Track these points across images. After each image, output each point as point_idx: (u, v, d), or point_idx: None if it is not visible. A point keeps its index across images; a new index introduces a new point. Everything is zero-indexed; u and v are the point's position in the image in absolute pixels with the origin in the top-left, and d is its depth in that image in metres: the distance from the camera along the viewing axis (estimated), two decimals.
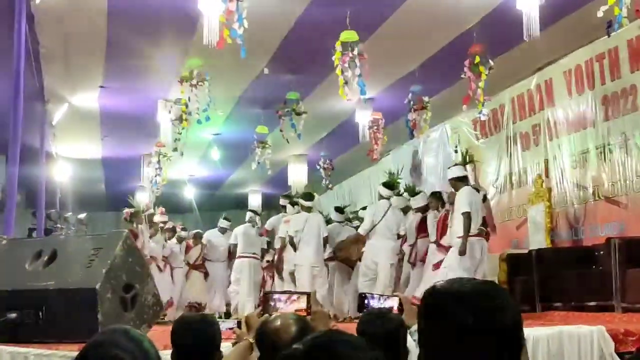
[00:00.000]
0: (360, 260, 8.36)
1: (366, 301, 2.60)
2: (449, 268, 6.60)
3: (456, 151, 10.63)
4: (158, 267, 9.38)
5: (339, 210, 9.66)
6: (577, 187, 8.02)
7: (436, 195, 8.16)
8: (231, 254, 10.34)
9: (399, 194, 8.71)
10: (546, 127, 8.61)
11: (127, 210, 9.10)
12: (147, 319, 4.62)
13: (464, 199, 6.73)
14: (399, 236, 8.28)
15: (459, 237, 6.69)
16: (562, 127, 8.29)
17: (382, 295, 2.63)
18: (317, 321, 2.33)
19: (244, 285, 9.66)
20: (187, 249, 10.97)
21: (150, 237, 9.54)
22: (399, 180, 8.78)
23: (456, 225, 6.79)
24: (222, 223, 11.34)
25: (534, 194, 8.65)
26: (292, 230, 8.51)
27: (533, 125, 8.92)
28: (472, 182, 7.57)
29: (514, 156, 9.31)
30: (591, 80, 7.75)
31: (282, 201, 9.71)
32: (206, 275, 10.94)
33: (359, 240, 8.44)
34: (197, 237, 11.08)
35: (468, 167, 7.59)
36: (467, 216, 6.64)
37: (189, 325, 2.80)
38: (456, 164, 7.41)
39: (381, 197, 8.34)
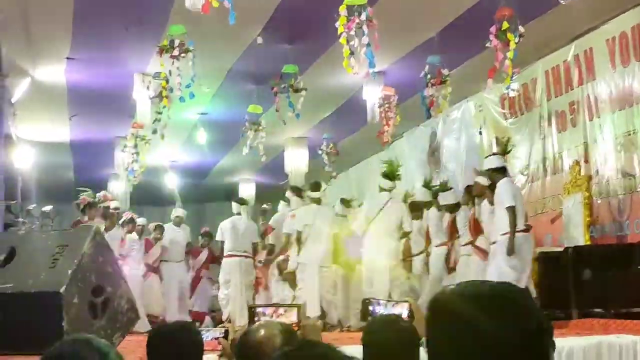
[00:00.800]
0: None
1: (371, 307, 2.60)
2: (495, 269, 6.67)
3: (480, 133, 10.63)
4: None
5: (345, 202, 9.67)
6: (621, 174, 8.00)
7: (470, 190, 8.19)
8: (220, 253, 10.30)
9: (429, 187, 8.76)
10: (586, 105, 8.58)
11: (83, 196, 9.00)
12: (121, 327, 4.63)
13: (507, 192, 6.87)
14: (404, 234, 8.32)
15: (503, 235, 6.77)
16: (605, 104, 8.26)
17: (389, 301, 2.63)
18: (307, 336, 2.35)
19: (234, 289, 9.68)
20: (147, 246, 10.77)
21: (106, 230, 9.41)
22: (399, 170, 8.82)
23: (500, 222, 6.91)
24: (177, 212, 11.21)
25: (571, 183, 8.64)
26: (300, 224, 8.57)
27: (570, 102, 8.89)
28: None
29: (548, 138, 9.30)
30: (639, 50, 7.72)
31: (288, 193, 9.77)
32: (162, 279, 10.76)
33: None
34: (161, 231, 10.87)
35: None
36: (513, 211, 6.82)
37: (168, 334, 2.81)
38: (494, 153, 7.58)
39: (382, 189, 8.41)
